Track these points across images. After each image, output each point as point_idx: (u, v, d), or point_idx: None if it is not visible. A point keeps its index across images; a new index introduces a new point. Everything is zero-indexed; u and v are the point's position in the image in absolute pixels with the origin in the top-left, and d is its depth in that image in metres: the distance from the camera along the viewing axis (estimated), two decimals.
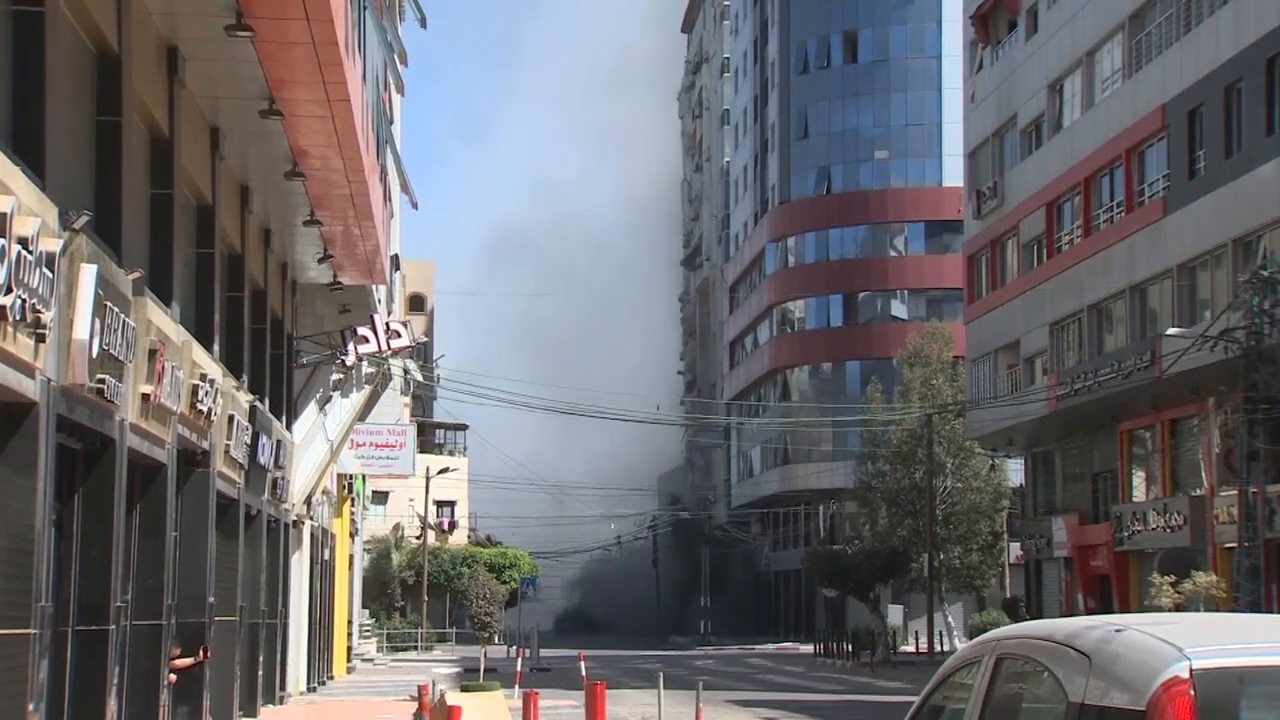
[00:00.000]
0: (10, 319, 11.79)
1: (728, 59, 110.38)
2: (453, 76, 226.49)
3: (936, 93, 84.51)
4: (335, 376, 36.06)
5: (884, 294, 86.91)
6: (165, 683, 19.71)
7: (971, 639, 19.88)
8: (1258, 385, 36.36)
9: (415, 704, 26.94)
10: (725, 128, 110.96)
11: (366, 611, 67.56)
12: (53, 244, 12.85)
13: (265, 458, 27.09)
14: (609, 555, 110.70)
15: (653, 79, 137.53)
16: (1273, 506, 38.01)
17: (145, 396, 17.09)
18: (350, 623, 54.37)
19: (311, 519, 38.83)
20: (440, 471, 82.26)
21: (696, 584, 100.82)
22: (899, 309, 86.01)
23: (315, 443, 35.88)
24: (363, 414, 41.90)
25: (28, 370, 12.70)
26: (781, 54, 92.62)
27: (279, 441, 29.36)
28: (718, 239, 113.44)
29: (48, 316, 12.66)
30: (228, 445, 23.40)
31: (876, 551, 67.11)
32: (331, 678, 44.81)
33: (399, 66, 34.49)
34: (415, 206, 42.60)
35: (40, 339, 12.72)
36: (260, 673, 29.23)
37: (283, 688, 33.07)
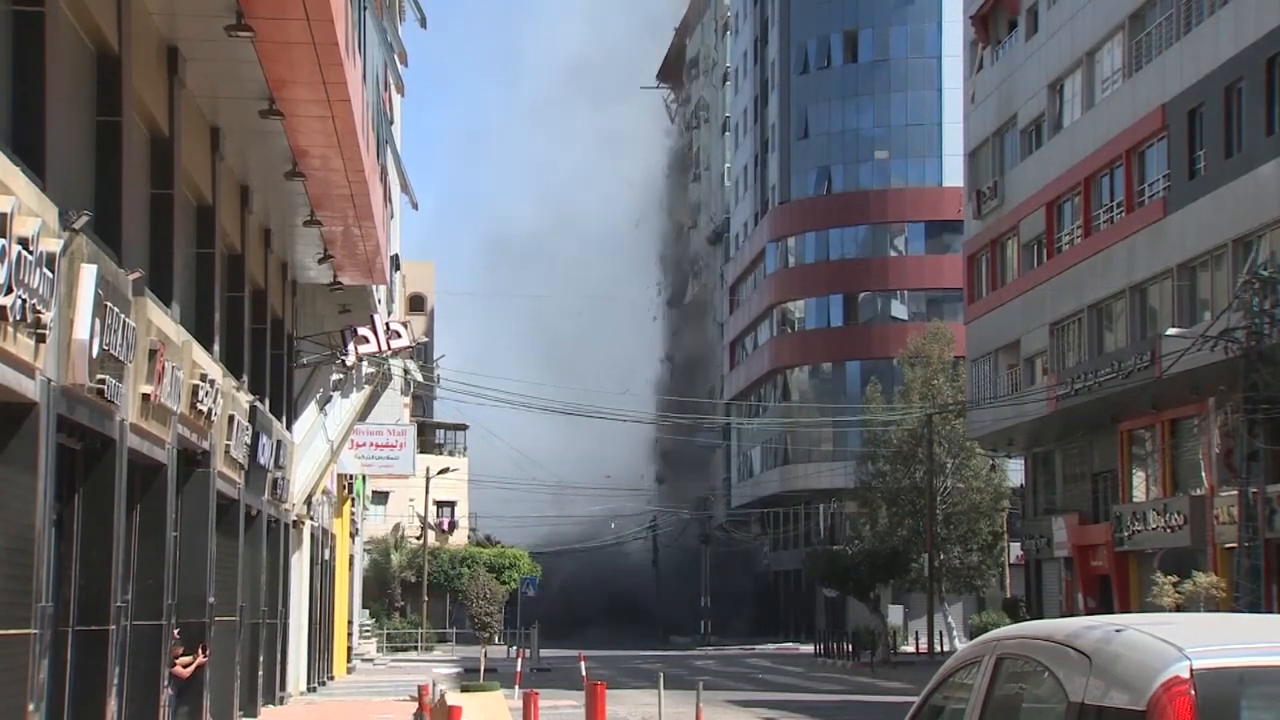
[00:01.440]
0: (10, 319, 11.79)
1: (728, 66, 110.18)
2: (453, 76, 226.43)
3: (936, 93, 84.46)
4: (335, 376, 36.05)
5: (884, 294, 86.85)
6: (166, 683, 19.71)
7: (971, 639, 19.87)
8: (1258, 385, 36.35)
9: (415, 704, 26.95)
10: (725, 134, 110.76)
11: (366, 611, 67.54)
12: (53, 244, 12.84)
13: (265, 458, 27.09)
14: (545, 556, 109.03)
15: (651, 81, 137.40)
16: (1273, 506, 38.00)
17: (145, 396, 17.09)
18: (350, 623, 54.37)
19: (312, 519, 38.82)
20: (440, 472, 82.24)
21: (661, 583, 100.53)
22: (899, 309, 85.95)
23: (315, 443, 35.88)
24: (363, 414, 41.91)
25: (28, 370, 12.70)
26: (781, 54, 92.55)
27: (279, 442, 29.36)
28: (719, 244, 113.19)
29: (48, 317, 12.65)
30: (228, 445, 23.39)
31: (876, 551, 67.10)
32: (331, 678, 44.80)
33: (399, 66, 34.46)
34: (415, 206, 42.60)
35: (40, 339, 12.72)
36: (260, 673, 29.24)
37: (283, 688, 33.07)
